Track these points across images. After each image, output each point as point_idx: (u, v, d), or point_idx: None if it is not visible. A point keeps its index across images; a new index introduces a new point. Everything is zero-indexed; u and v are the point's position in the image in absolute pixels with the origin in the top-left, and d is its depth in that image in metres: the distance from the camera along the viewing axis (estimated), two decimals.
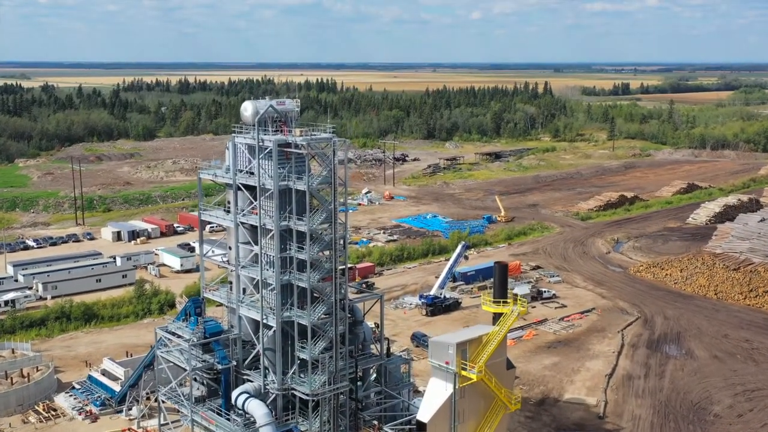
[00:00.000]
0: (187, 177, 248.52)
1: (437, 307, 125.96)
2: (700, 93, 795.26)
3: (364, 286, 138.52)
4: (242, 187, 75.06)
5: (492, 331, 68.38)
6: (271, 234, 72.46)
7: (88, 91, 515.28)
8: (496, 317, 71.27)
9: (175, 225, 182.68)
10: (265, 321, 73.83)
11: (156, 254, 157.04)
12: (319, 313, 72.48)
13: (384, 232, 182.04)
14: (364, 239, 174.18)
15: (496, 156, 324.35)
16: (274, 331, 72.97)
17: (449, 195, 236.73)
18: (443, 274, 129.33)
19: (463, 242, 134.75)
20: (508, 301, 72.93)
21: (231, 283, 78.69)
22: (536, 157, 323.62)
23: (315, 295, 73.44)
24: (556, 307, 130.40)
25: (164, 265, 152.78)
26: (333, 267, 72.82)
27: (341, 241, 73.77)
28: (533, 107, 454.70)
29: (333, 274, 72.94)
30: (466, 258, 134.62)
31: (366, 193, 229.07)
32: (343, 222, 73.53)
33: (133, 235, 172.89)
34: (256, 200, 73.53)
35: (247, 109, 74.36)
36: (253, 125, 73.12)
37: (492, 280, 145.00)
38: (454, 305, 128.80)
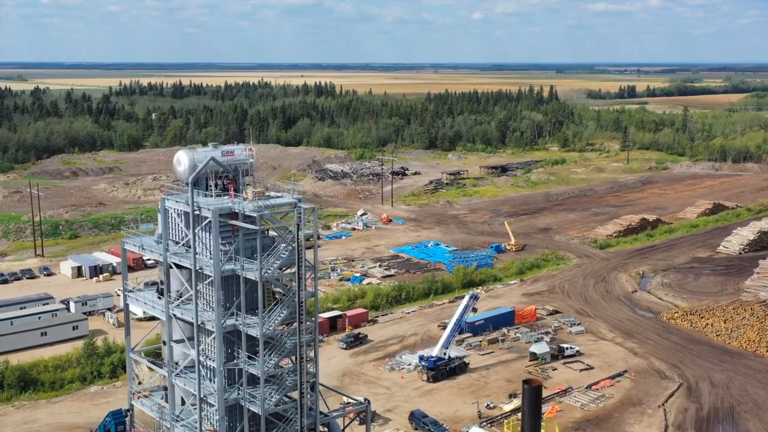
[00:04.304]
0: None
1: (440, 371, 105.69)
2: (708, 96, 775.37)
3: (353, 339, 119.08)
4: (176, 267, 55.07)
5: None
6: (213, 336, 52.43)
7: (78, 96, 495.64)
8: None
9: (145, 258, 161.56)
10: None
11: (117, 295, 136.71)
12: None
13: (380, 265, 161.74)
14: (358, 275, 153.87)
15: (503, 169, 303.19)
16: None
17: (452, 217, 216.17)
18: (447, 332, 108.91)
19: (471, 292, 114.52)
20: None
21: (166, 389, 58.69)
22: (545, 171, 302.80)
23: (274, 418, 53.43)
24: (581, 370, 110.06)
25: None
26: (299, 381, 52.78)
27: (311, 347, 53.69)
28: (539, 114, 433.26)
29: (299, 391, 52.89)
30: (475, 310, 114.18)
31: (361, 215, 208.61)
32: (312, 322, 53.41)
33: (96, 270, 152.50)
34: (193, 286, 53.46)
35: (181, 162, 54.37)
36: (187, 184, 53.09)
37: (505, 329, 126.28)
38: (461, 367, 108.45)
